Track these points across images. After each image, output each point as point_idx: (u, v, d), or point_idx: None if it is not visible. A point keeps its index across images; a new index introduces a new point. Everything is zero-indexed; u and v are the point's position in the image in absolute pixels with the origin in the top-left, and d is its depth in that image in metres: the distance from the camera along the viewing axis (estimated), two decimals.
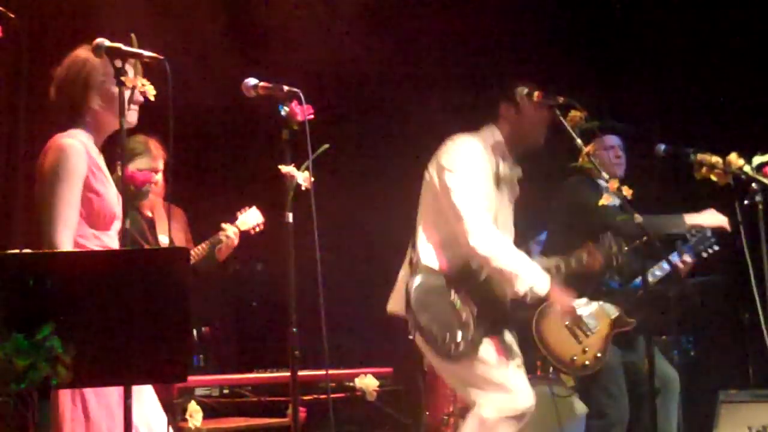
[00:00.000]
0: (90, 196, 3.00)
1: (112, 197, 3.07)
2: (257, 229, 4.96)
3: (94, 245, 3.01)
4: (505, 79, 4.26)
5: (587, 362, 4.57)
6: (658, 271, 4.78)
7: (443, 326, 3.93)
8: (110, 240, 3.07)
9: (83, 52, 3.08)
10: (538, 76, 4.43)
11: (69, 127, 3.09)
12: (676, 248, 4.80)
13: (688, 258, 4.78)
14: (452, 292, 3.98)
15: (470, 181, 3.99)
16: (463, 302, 3.97)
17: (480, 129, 4.18)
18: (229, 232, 4.78)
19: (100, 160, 3.12)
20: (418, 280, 3.97)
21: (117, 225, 3.07)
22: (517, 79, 4.15)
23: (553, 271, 4.07)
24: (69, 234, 2.94)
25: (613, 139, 5.01)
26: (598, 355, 4.58)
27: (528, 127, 4.13)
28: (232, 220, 4.88)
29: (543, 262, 4.14)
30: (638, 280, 4.68)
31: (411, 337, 4.08)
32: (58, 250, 2.85)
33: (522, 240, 4.32)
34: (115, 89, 2.95)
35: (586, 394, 4.83)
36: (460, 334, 3.92)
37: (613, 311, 4.70)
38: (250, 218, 4.92)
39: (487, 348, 3.99)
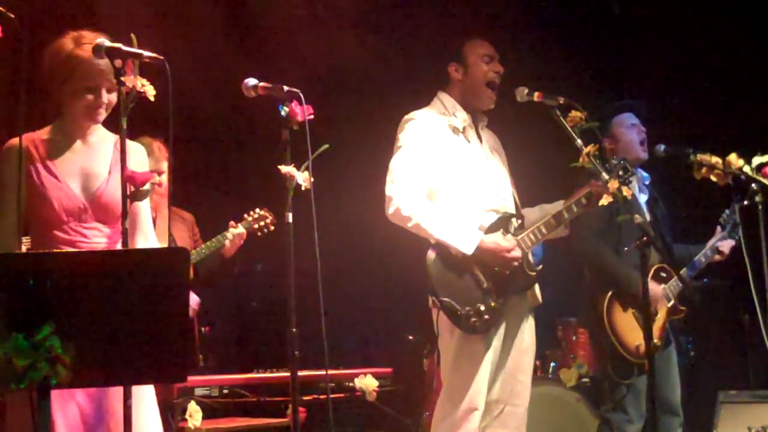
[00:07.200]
0: (36, 197, 2.98)
1: (62, 194, 3.02)
2: (265, 231, 4.98)
3: (61, 244, 2.98)
4: (450, 41, 4.25)
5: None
6: (689, 271, 4.70)
7: (465, 301, 3.81)
8: (76, 234, 3.02)
9: (69, 44, 3.03)
10: (538, 76, 4.43)
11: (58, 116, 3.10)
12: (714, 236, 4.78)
13: (725, 244, 4.76)
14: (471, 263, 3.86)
15: (407, 151, 3.96)
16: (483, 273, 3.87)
17: (431, 101, 4.16)
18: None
19: (69, 155, 3.08)
20: (432, 255, 3.86)
21: (87, 216, 3.03)
22: (463, 38, 4.16)
23: (552, 222, 3.94)
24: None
25: (632, 117, 4.84)
26: (657, 342, 4.44)
27: (476, 87, 4.10)
28: (239, 219, 4.91)
29: (545, 210, 4.05)
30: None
31: (411, 337, 4.06)
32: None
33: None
34: (89, 96, 3.00)
35: (611, 386, 4.61)
36: (482, 306, 3.81)
37: (670, 297, 4.59)
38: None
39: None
